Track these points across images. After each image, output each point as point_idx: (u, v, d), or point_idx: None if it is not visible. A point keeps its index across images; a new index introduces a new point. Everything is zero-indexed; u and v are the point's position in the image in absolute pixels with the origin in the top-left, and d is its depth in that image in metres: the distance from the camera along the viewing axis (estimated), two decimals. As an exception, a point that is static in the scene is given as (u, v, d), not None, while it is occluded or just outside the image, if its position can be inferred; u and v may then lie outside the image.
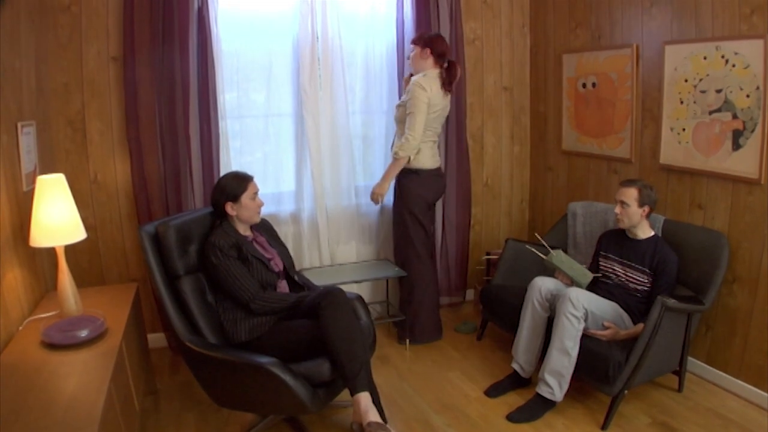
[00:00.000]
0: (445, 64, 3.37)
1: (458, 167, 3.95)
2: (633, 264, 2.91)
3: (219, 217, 2.72)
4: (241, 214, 2.66)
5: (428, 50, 3.33)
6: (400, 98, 3.55)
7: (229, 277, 2.53)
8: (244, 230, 2.71)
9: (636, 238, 2.94)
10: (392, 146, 3.55)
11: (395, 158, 3.37)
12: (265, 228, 2.92)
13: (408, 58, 3.45)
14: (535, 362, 2.96)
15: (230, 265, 2.54)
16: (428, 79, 3.30)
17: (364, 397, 2.36)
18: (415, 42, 3.38)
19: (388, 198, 3.89)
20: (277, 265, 2.75)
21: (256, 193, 2.70)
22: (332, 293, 2.49)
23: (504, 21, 4.16)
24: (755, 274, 2.81)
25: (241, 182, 2.66)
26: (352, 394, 2.37)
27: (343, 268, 3.81)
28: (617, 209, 2.89)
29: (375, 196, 3.48)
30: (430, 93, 3.27)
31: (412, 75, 3.43)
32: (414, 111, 3.27)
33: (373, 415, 2.33)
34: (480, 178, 4.28)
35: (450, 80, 3.38)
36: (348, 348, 2.37)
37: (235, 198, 2.63)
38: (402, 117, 3.38)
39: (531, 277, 3.02)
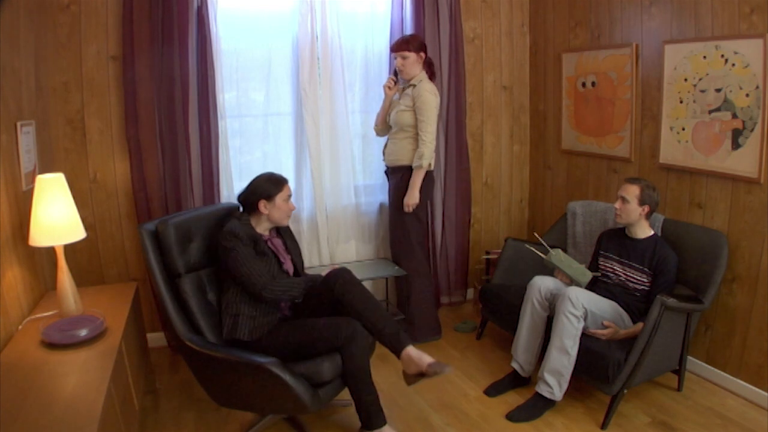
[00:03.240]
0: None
1: (458, 166, 3.96)
2: (632, 263, 2.91)
3: (245, 210, 2.72)
4: (272, 213, 2.66)
5: (422, 54, 3.37)
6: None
7: (242, 265, 2.50)
8: (263, 229, 2.70)
9: (636, 237, 2.94)
10: (385, 149, 3.54)
11: (420, 168, 3.36)
12: (284, 230, 2.89)
13: (398, 67, 3.38)
14: (535, 361, 2.96)
15: (246, 253, 2.53)
16: (430, 84, 3.38)
17: (412, 349, 2.51)
18: (406, 49, 3.33)
19: (385, 197, 3.90)
20: (289, 269, 2.75)
21: (289, 196, 2.72)
22: (341, 275, 2.60)
23: (503, 20, 4.16)
24: (754, 274, 2.81)
25: (276, 183, 2.69)
26: (399, 351, 2.50)
27: (342, 267, 3.81)
28: (617, 204, 2.90)
29: (409, 208, 3.45)
30: (438, 97, 3.38)
31: (395, 79, 3.43)
32: (428, 118, 3.31)
33: (429, 357, 2.48)
34: (480, 177, 4.28)
35: (434, 76, 3.48)
36: (379, 314, 2.56)
37: (270, 197, 2.65)
38: (408, 122, 3.38)
39: (530, 276, 3.02)
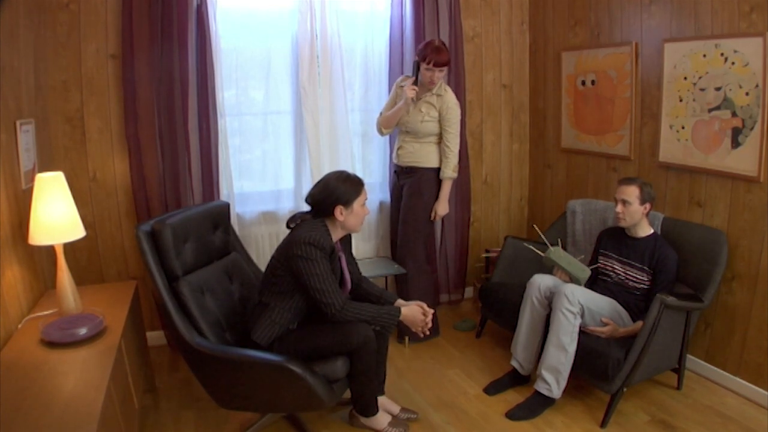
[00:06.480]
0: None
1: (457, 165, 3.95)
2: (632, 262, 2.91)
3: (316, 216, 2.52)
4: (348, 220, 2.48)
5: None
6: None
7: (320, 281, 2.36)
8: (336, 237, 2.53)
9: (635, 236, 2.94)
10: (399, 149, 3.53)
11: (451, 179, 3.47)
12: (346, 241, 2.72)
13: (434, 79, 3.28)
14: (534, 360, 2.96)
15: (324, 267, 2.38)
16: (453, 94, 3.43)
17: (383, 399, 2.79)
18: (447, 63, 3.28)
19: (386, 196, 3.91)
20: (346, 290, 2.65)
21: (366, 200, 2.54)
22: (368, 346, 2.42)
23: (503, 18, 4.15)
24: (754, 272, 2.81)
25: (355, 186, 2.48)
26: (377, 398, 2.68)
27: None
28: (618, 208, 2.88)
29: (438, 218, 3.55)
30: (459, 106, 3.44)
31: (415, 82, 3.32)
32: (456, 130, 3.40)
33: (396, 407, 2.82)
34: (479, 175, 4.28)
35: None
36: (373, 383, 2.60)
37: (347, 203, 2.45)
38: (434, 131, 3.40)
39: (530, 274, 3.03)
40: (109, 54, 3.27)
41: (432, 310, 2.62)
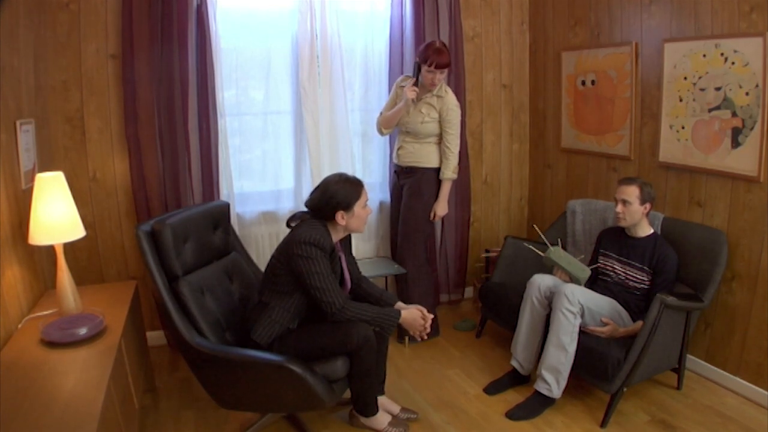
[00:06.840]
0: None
1: (457, 165, 3.95)
2: (632, 262, 2.91)
3: (316, 217, 2.51)
4: (351, 223, 2.48)
5: None
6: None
7: (321, 279, 2.37)
8: (336, 238, 2.53)
9: (635, 236, 2.94)
10: (399, 149, 3.53)
11: (451, 180, 3.48)
12: (346, 241, 2.73)
13: (435, 81, 3.28)
14: (534, 359, 2.96)
15: (324, 266, 2.39)
16: (454, 96, 3.43)
17: (383, 399, 2.79)
18: (448, 65, 3.27)
19: (386, 196, 3.91)
20: (346, 289, 2.66)
21: (367, 201, 2.53)
22: (368, 346, 2.42)
23: (503, 18, 4.15)
24: (754, 272, 2.81)
25: (355, 188, 2.47)
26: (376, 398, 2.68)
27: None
28: (618, 208, 2.88)
29: (438, 218, 3.56)
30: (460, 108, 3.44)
31: (416, 83, 3.31)
32: (456, 131, 3.41)
33: (396, 407, 2.82)
34: (479, 175, 4.28)
35: None
36: (373, 383, 2.60)
37: (348, 207, 2.44)
38: (434, 132, 3.40)
39: (530, 274, 3.03)
40: (109, 54, 3.27)
41: (432, 315, 2.62)
